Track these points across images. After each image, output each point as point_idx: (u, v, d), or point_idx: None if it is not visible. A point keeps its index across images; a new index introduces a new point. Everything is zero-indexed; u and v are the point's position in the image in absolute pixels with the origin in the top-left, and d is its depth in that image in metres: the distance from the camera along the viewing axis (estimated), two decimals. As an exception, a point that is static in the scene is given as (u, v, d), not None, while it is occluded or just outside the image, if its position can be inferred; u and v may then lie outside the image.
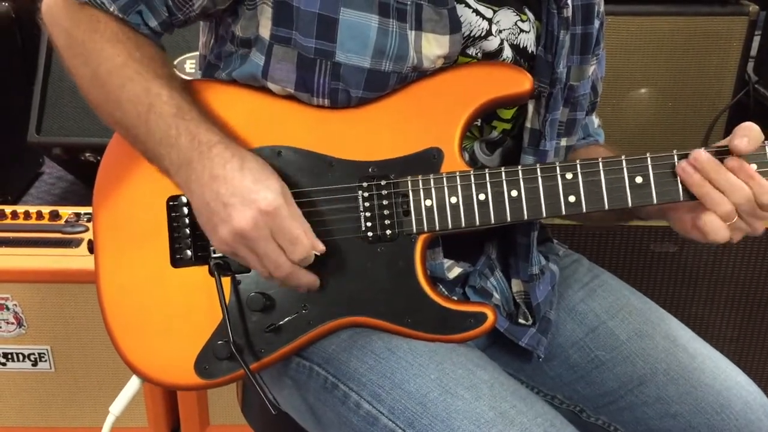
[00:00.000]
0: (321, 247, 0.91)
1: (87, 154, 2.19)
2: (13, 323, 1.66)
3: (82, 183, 2.66)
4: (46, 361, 1.69)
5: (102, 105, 0.96)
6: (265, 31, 0.94)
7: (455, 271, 1.04)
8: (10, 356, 1.68)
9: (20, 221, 1.74)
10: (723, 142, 0.92)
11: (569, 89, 1.04)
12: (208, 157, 0.89)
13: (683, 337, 1.06)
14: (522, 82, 0.96)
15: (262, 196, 0.87)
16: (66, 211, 1.77)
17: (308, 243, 0.89)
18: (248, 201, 0.87)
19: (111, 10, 0.93)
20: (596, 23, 1.07)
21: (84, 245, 1.66)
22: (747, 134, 0.89)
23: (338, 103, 0.95)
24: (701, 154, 0.90)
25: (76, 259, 1.63)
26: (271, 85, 0.96)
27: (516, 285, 1.08)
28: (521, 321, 1.07)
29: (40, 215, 1.75)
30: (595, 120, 1.23)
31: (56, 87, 2.21)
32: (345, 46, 0.91)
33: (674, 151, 0.92)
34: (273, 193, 0.88)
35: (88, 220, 1.74)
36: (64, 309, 1.66)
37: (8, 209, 1.76)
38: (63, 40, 0.96)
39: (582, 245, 1.58)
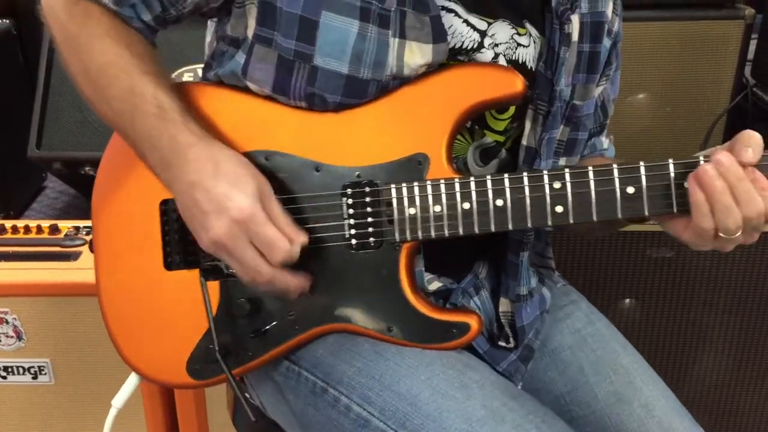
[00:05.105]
0: (302, 239, 0.90)
1: (87, 168, 2.20)
2: (12, 337, 1.66)
3: (83, 197, 2.67)
4: (46, 374, 1.69)
5: (93, 101, 0.97)
6: (251, 31, 0.94)
7: (435, 285, 1.02)
8: (9, 369, 1.68)
9: (20, 235, 1.75)
10: (722, 151, 0.86)
11: (571, 108, 1.02)
12: (185, 161, 0.90)
13: (661, 408, 1.03)
14: (513, 82, 0.93)
15: (236, 203, 0.87)
16: (65, 225, 1.77)
17: (285, 245, 0.88)
18: (222, 209, 0.87)
19: (105, 2, 0.94)
20: (606, 42, 1.04)
21: (83, 258, 1.67)
22: (749, 144, 0.84)
23: (315, 107, 0.95)
24: (725, 158, 0.83)
25: (75, 273, 1.64)
26: (250, 85, 0.96)
27: (504, 304, 1.06)
28: (501, 344, 1.05)
29: (39, 229, 1.75)
30: (605, 141, 1.18)
31: (56, 101, 2.22)
32: (323, 50, 0.91)
33: (670, 160, 0.88)
34: (247, 198, 0.87)
35: (87, 234, 1.75)
36: (63, 322, 1.66)
37: (8, 223, 1.77)
38: (58, 34, 0.97)
39: (578, 252, 1.57)
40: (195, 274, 0.99)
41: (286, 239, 0.88)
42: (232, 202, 0.87)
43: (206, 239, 0.89)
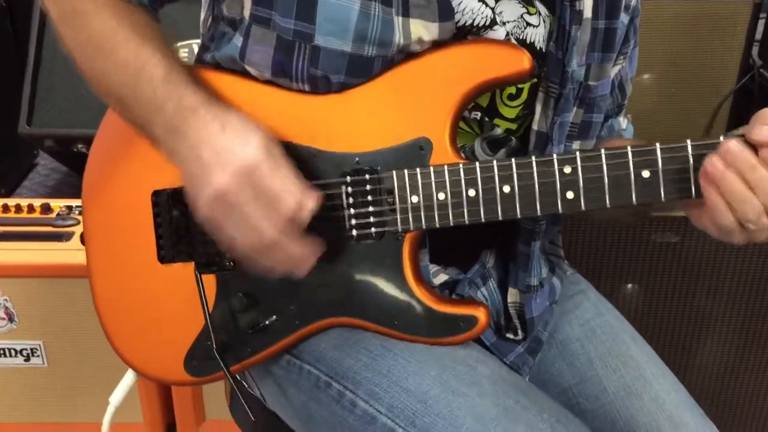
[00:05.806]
0: (311, 204, 0.83)
1: (79, 146, 2.16)
2: (4, 318, 1.64)
3: (75, 174, 2.63)
4: (38, 356, 1.67)
5: (92, 74, 0.92)
6: (247, 11, 0.90)
7: (441, 278, 0.99)
8: (2, 352, 1.66)
9: (11, 215, 1.71)
10: (740, 132, 0.81)
11: (585, 89, 0.97)
12: (191, 121, 0.84)
13: (672, 402, 1.00)
14: (519, 60, 0.87)
15: (241, 151, 0.81)
16: (58, 204, 1.74)
17: (293, 199, 0.81)
18: (227, 159, 0.81)
19: None
20: (624, 18, 0.99)
21: (75, 238, 1.64)
22: (766, 122, 0.79)
23: (319, 88, 0.90)
24: (734, 145, 0.79)
25: (68, 253, 1.61)
26: (249, 69, 0.92)
27: (512, 295, 1.03)
28: (509, 336, 1.02)
29: (31, 208, 1.72)
30: (623, 121, 1.14)
31: (47, 78, 2.18)
32: (324, 29, 0.86)
33: (688, 141, 0.82)
34: (254, 148, 0.81)
35: (80, 213, 1.72)
36: (55, 303, 1.63)
37: (-1, 202, 1.74)
38: (54, 8, 0.93)
39: (581, 236, 1.55)
40: (190, 267, 0.95)
41: (294, 193, 0.82)
42: (237, 152, 0.81)
43: (206, 196, 0.81)
